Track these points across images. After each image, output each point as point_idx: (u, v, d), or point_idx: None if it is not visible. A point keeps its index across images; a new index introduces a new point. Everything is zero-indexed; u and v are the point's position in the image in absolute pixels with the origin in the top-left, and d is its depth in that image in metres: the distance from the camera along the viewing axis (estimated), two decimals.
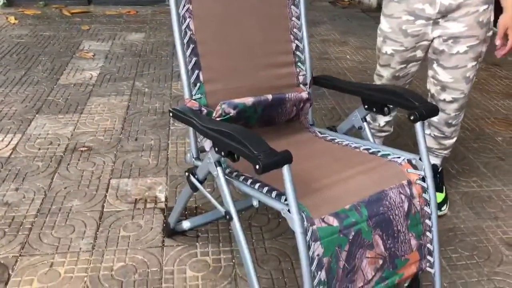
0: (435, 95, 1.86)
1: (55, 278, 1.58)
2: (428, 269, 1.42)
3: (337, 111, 2.80)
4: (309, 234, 1.17)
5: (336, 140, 1.61)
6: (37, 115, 2.67)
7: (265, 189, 1.27)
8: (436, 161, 2.01)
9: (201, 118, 1.35)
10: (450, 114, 1.86)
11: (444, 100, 1.84)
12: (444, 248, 1.75)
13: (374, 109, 1.53)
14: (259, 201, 1.29)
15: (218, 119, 1.45)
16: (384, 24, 1.81)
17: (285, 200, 1.20)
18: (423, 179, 1.38)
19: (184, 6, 1.45)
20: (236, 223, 1.30)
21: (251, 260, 1.29)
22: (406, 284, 1.53)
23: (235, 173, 1.39)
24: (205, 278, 1.60)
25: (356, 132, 1.62)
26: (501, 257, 1.72)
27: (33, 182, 2.08)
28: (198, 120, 1.33)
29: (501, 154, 2.39)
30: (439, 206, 1.92)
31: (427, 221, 1.39)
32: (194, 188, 1.49)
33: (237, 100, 1.45)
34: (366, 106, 1.56)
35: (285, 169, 1.14)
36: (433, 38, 1.76)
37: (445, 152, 2.00)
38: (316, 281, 1.19)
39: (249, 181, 1.32)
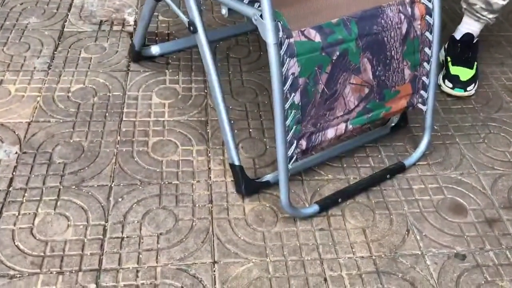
0: None
1: (4, 96, 1.42)
2: (420, 105, 1.26)
3: None
4: (284, 47, 0.98)
5: None
6: None
7: None
8: (475, 27, 1.61)
9: None
10: None
11: None
12: (439, 91, 1.58)
13: None
14: (229, 9, 1.07)
15: None
16: None
17: (259, 6, 0.99)
18: None
19: None
20: (201, 36, 1.10)
21: (218, 83, 1.12)
22: (393, 124, 1.40)
23: None
24: (173, 106, 1.44)
25: None
26: (501, 103, 1.56)
27: None
28: None
29: None
30: (465, 84, 1.56)
31: (426, 49, 1.19)
32: None
33: None
34: None
35: None
36: None
37: (490, 16, 1.57)
38: (288, 103, 1.02)
39: None
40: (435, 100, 1.27)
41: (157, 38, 1.69)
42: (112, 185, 1.20)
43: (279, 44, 0.97)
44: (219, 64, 1.62)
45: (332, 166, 1.30)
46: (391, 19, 1.11)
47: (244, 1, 1.03)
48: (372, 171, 1.30)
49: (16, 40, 1.63)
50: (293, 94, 1.02)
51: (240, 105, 1.47)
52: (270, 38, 0.95)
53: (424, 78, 1.22)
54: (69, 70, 1.53)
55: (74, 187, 1.19)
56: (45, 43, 1.63)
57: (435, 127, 1.44)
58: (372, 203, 1.22)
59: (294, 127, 1.06)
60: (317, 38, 1.02)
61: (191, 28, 1.11)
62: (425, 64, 1.20)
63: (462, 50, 1.61)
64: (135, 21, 1.76)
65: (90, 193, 1.18)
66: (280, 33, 0.97)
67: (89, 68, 1.55)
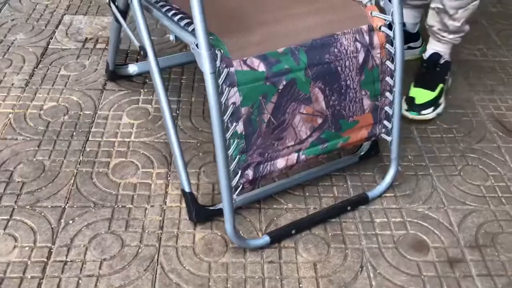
0: None
1: None
2: (384, 136, 1.21)
3: None
4: (222, 76, 0.95)
5: None
6: None
7: (178, 17, 1.03)
8: (440, 48, 1.56)
9: None
10: None
11: None
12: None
13: None
14: (175, 35, 1.06)
15: None
16: None
17: None
18: (390, 26, 1.11)
19: None
20: (151, 60, 1.09)
21: (167, 106, 1.10)
22: (362, 153, 1.35)
23: (160, 4, 1.13)
24: (141, 126, 1.43)
25: None
26: (484, 133, 1.49)
27: None
28: None
29: None
30: (420, 108, 1.49)
31: (387, 79, 1.14)
32: (117, 19, 1.26)
33: None
34: None
35: None
36: None
37: (451, 37, 1.53)
38: (229, 133, 1.00)
39: (166, 8, 1.08)
40: (400, 130, 1.22)
41: (138, 57, 1.70)
42: (66, 207, 1.20)
43: (218, 73, 0.95)
44: (197, 84, 1.61)
45: (294, 194, 1.27)
46: (346, 48, 1.07)
47: (189, 29, 1.01)
48: (335, 201, 1.25)
49: (0, 56, 1.67)
50: (235, 123, 0.99)
51: (209, 127, 1.45)
52: (205, 67, 0.93)
53: (386, 108, 1.17)
54: (45, 88, 1.55)
55: (28, 207, 1.19)
56: (27, 60, 1.65)
57: (409, 157, 1.39)
58: (328, 235, 1.17)
59: (238, 156, 1.03)
60: (261, 67, 0.99)
61: (142, 52, 1.09)
62: (387, 94, 1.15)
63: (426, 71, 1.57)
64: (120, 40, 1.77)
65: (42, 213, 1.18)
66: (218, 62, 0.95)
67: (65, 86, 1.56)
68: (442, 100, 1.54)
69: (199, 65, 0.94)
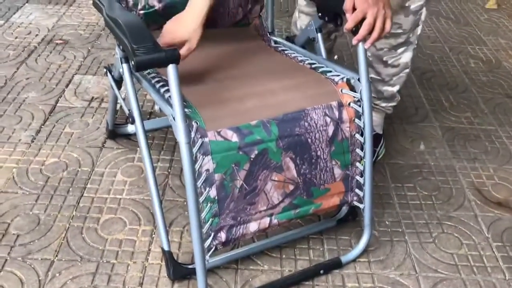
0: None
1: None
2: (356, 203, 1.27)
3: None
4: (197, 145, 1.04)
5: (286, 51, 1.42)
6: (26, 4, 2.59)
7: (164, 89, 1.13)
8: (374, 117, 1.58)
9: (110, 5, 1.19)
10: (383, 48, 1.51)
11: None
12: (401, 184, 1.58)
13: (327, 18, 1.32)
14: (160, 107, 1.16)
15: (141, 12, 1.30)
16: None
17: None
18: (359, 102, 1.20)
19: None
20: (138, 128, 1.18)
21: (151, 168, 1.19)
22: (340, 217, 1.40)
23: (151, 75, 1.25)
24: (133, 184, 1.52)
25: None
26: (462, 201, 1.53)
27: None
28: (106, 7, 1.18)
29: (511, 92, 2.11)
30: None
31: (357, 150, 1.22)
32: (112, 87, 1.38)
33: None
34: (319, 14, 1.34)
35: (170, 68, 0.99)
36: None
37: (384, 105, 1.63)
38: (203, 197, 1.07)
39: (155, 80, 1.19)
40: (373, 198, 1.28)
41: None
42: (55, 260, 1.27)
43: (193, 143, 1.04)
44: None
45: (270, 256, 1.32)
46: (316, 122, 1.15)
47: (165, 98, 1.11)
48: (310, 264, 1.30)
49: (12, 113, 1.80)
50: (208, 188, 1.07)
51: None
52: (180, 138, 1.02)
53: (357, 177, 1.24)
54: (49, 144, 1.66)
55: (20, 258, 1.27)
56: (36, 117, 1.78)
57: (387, 222, 1.44)
58: None
59: (211, 219, 1.10)
60: (234, 138, 1.08)
61: (130, 118, 1.20)
62: (357, 164, 1.22)
63: None
64: (123, 99, 1.90)
65: (32, 265, 1.26)
66: (193, 133, 1.04)
67: (68, 143, 1.67)
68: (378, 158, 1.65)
69: (175, 135, 1.04)
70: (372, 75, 1.58)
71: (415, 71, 2.20)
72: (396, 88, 1.61)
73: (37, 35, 2.30)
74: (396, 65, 1.56)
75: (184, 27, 1.14)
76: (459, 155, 1.73)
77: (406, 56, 1.55)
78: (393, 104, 1.67)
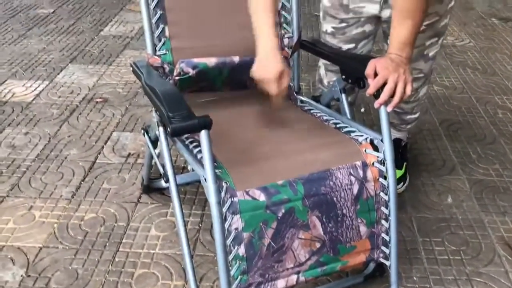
0: None
1: (29, 221, 1.65)
2: (383, 260, 1.29)
3: None
4: (227, 205, 1.10)
5: (312, 111, 1.49)
6: (69, 64, 2.77)
7: (196, 150, 1.21)
8: (399, 135, 1.87)
9: (149, 74, 1.30)
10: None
11: None
12: (429, 239, 1.58)
13: (350, 80, 1.39)
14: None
15: (176, 78, 1.40)
16: None
17: None
18: (382, 162, 1.24)
19: None
20: (171, 187, 1.25)
21: (183, 226, 1.25)
22: (367, 273, 1.42)
23: (185, 136, 1.33)
24: (166, 239, 1.59)
25: None
26: (492, 257, 1.52)
27: (42, 128, 2.17)
28: (145, 76, 1.28)
29: None
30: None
31: (383, 208, 1.25)
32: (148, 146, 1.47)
33: (197, 60, 1.38)
34: (343, 76, 1.42)
35: (202, 134, 1.07)
36: (384, 19, 1.54)
37: (409, 127, 1.86)
38: (232, 255, 1.12)
39: (189, 140, 1.26)
40: (398, 255, 1.29)
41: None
42: None
43: (223, 202, 1.10)
44: None
45: None
46: (341, 181, 1.20)
47: (197, 159, 1.18)
48: None
49: (54, 170, 1.91)
50: (237, 246, 1.12)
51: None
52: (211, 198, 1.08)
53: (383, 235, 1.26)
54: (88, 200, 1.75)
55: None
56: (76, 173, 1.89)
57: (415, 278, 1.45)
58: None
59: (240, 277, 1.14)
60: (262, 197, 1.14)
61: (165, 178, 1.27)
62: (383, 221, 1.26)
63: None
64: (158, 155, 1.99)
65: None
66: (223, 194, 1.10)
67: (105, 198, 1.76)
68: (407, 175, 1.84)
69: (206, 195, 1.10)
70: (396, 109, 1.72)
71: (442, 123, 2.22)
72: (418, 115, 1.82)
73: (78, 94, 2.45)
74: (416, 100, 1.74)
75: (273, 62, 1.26)
76: (488, 208, 1.73)
77: (423, 91, 1.73)
78: (415, 123, 1.87)
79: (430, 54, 1.60)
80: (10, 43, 3.02)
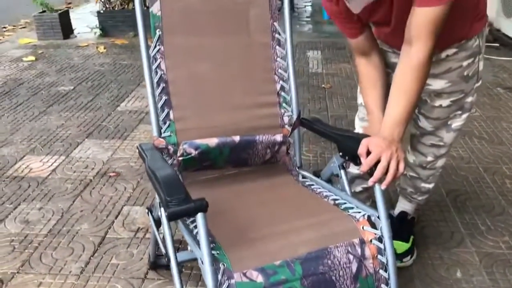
0: (415, 135, 1.73)
1: None
2: None
3: None
4: (224, 287, 1.12)
5: (312, 186, 1.52)
6: (86, 139, 2.88)
7: (196, 230, 1.24)
8: (408, 207, 1.89)
9: (152, 156, 1.36)
10: (427, 158, 1.73)
11: (423, 143, 1.71)
12: None
13: (347, 157, 1.43)
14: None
15: (180, 158, 1.46)
16: None
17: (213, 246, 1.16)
18: (380, 239, 1.25)
19: (156, 47, 1.49)
20: (173, 267, 1.28)
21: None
22: None
23: (189, 218, 1.37)
24: None
25: None
26: None
27: (56, 203, 2.24)
28: (149, 158, 1.34)
29: None
30: (401, 256, 1.78)
31: (383, 286, 1.24)
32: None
33: (199, 141, 1.45)
34: (341, 153, 1.46)
35: (199, 217, 1.10)
36: None
37: (420, 198, 1.85)
38: None
39: (190, 220, 1.30)
40: None
41: (179, 246, 1.92)
42: None
43: (220, 284, 1.12)
44: None
45: None
46: (339, 260, 1.21)
47: (195, 240, 1.21)
48: None
49: (65, 245, 1.95)
50: None
51: None
52: (208, 281, 1.10)
53: None
54: (96, 276, 1.77)
55: None
56: (86, 248, 1.92)
57: None
58: None
59: None
60: (259, 278, 1.15)
61: (166, 258, 1.30)
62: None
63: (398, 226, 1.83)
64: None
65: None
66: (220, 276, 1.12)
67: (113, 274, 1.78)
68: (414, 248, 1.83)
69: (203, 277, 1.12)
70: (412, 174, 1.79)
71: (449, 194, 2.23)
72: (432, 185, 1.81)
73: (93, 168, 2.54)
74: (433, 168, 1.75)
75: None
76: (499, 283, 1.69)
77: (441, 161, 1.74)
78: (427, 196, 1.85)
79: (453, 125, 1.64)
80: (31, 120, 3.17)
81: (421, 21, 1.28)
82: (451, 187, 2.29)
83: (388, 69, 1.59)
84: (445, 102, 1.56)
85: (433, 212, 2.10)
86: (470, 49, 1.51)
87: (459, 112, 1.61)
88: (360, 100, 1.72)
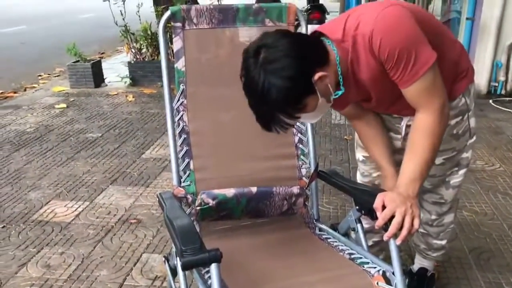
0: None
1: None
2: None
3: None
4: None
5: (329, 240, 1.53)
6: (110, 186, 2.95)
7: (210, 281, 1.24)
8: (426, 263, 1.86)
9: (171, 205, 1.39)
10: (431, 216, 1.72)
11: (426, 200, 1.71)
12: None
13: (363, 211, 1.44)
14: None
15: (198, 208, 1.49)
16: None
17: None
18: None
19: (179, 100, 1.56)
20: None
21: None
22: None
23: (204, 268, 1.38)
24: None
25: None
26: None
27: (78, 248, 2.28)
28: (167, 207, 1.38)
29: None
30: None
31: None
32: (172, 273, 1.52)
33: (217, 191, 1.48)
34: (357, 207, 1.47)
35: (213, 268, 1.12)
36: None
37: (434, 255, 1.82)
38: None
39: (205, 270, 1.31)
40: None
41: None
42: None
43: None
44: None
45: None
46: None
47: None
48: None
49: None
50: None
51: None
52: None
53: None
54: None
55: None
56: None
57: None
58: None
59: None
60: None
61: None
62: None
63: (418, 282, 1.84)
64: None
65: None
66: None
67: None
68: None
69: None
70: (422, 230, 1.77)
71: (472, 251, 2.18)
72: (444, 242, 1.78)
73: (115, 215, 2.58)
74: (440, 225, 1.74)
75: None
76: None
77: (448, 218, 1.72)
78: (442, 253, 1.82)
79: (452, 182, 1.63)
80: (58, 165, 3.27)
81: (416, 95, 1.30)
82: (473, 244, 2.24)
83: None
84: (437, 160, 1.55)
85: (455, 269, 2.06)
86: (457, 108, 1.50)
87: (456, 168, 1.62)
88: (358, 155, 1.74)
